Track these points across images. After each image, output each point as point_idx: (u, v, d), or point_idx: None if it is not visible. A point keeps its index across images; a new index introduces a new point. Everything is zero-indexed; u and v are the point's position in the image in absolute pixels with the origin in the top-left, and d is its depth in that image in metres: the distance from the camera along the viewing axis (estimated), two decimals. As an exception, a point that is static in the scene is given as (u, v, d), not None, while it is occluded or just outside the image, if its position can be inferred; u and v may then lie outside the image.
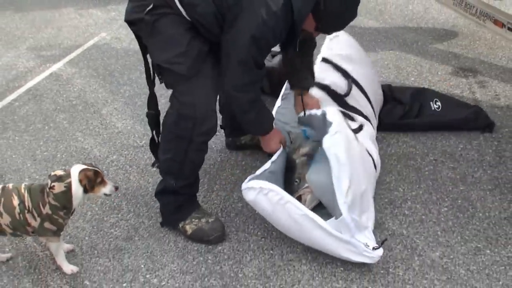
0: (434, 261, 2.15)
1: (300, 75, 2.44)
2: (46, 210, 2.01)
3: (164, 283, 2.15)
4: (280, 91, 2.75)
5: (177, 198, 2.32)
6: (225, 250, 2.28)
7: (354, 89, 2.58)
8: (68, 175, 2.02)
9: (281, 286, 2.10)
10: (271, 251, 2.26)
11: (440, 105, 3.01)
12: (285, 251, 2.25)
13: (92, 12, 5.21)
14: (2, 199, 2.02)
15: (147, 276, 2.19)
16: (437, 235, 2.28)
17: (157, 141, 2.41)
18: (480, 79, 3.41)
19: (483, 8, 3.06)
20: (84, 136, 3.17)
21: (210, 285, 2.12)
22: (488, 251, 2.18)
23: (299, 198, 2.23)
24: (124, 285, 2.16)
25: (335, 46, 2.60)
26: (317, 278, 2.12)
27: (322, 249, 2.16)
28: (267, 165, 2.27)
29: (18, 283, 2.19)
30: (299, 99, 2.46)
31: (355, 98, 2.60)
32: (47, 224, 2.04)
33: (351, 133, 2.20)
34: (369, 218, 2.20)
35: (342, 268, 2.15)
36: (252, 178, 2.16)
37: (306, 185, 2.27)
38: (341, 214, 2.02)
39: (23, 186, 2.07)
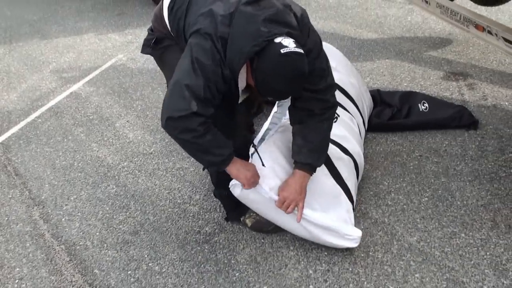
0: (411, 244, 2.32)
1: (293, 141, 2.24)
2: None
3: (164, 270, 2.38)
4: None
5: (233, 199, 2.37)
6: (221, 240, 2.50)
7: (338, 92, 2.76)
8: None
9: (269, 270, 2.30)
10: (262, 240, 2.47)
11: (427, 106, 3.19)
12: (275, 240, 2.45)
13: (111, 37, 5.56)
14: None
15: (150, 264, 2.42)
16: (416, 222, 2.45)
17: None
18: (470, 82, 3.57)
19: (466, 14, 3.24)
20: (99, 147, 3.45)
21: (206, 271, 2.34)
22: (463, 235, 2.34)
23: None
24: (129, 272, 2.39)
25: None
26: (302, 262, 2.31)
27: (307, 237, 2.35)
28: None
29: (36, 273, 2.46)
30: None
31: (340, 99, 2.79)
32: None
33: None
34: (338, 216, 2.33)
35: (326, 253, 2.34)
36: None
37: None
38: None
39: None
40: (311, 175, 2.20)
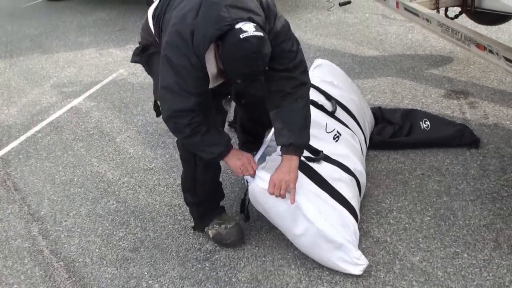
0: (414, 264, 2.31)
1: (274, 127, 2.28)
2: None
3: None
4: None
5: (199, 209, 2.57)
6: (221, 258, 2.48)
7: (339, 109, 2.77)
8: None
9: (270, 288, 2.28)
10: (263, 258, 2.45)
11: (429, 124, 3.19)
12: (276, 258, 2.43)
13: (112, 52, 5.58)
14: None
15: (150, 282, 2.40)
16: (419, 241, 2.43)
17: None
18: (471, 100, 3.58)
19: (467, 33, 3.26)
20: (99, 162, 3.44)
21: (206, 289, 2.32)
22: (466, 255, 2.33)
23: None
24: (129, 290, 2.37)
25: (318, 74, 2.79)
26: (304, 281, 2.29)
27: (312, 253, 2.33)
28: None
29: (34, 290, 2.43)
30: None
31: (341, 116, 2.79)
32: None
33: None
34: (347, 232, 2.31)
35: (327, 272, 2.32)
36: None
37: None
38: None
39: None
40: (299, 157, 2.21)
